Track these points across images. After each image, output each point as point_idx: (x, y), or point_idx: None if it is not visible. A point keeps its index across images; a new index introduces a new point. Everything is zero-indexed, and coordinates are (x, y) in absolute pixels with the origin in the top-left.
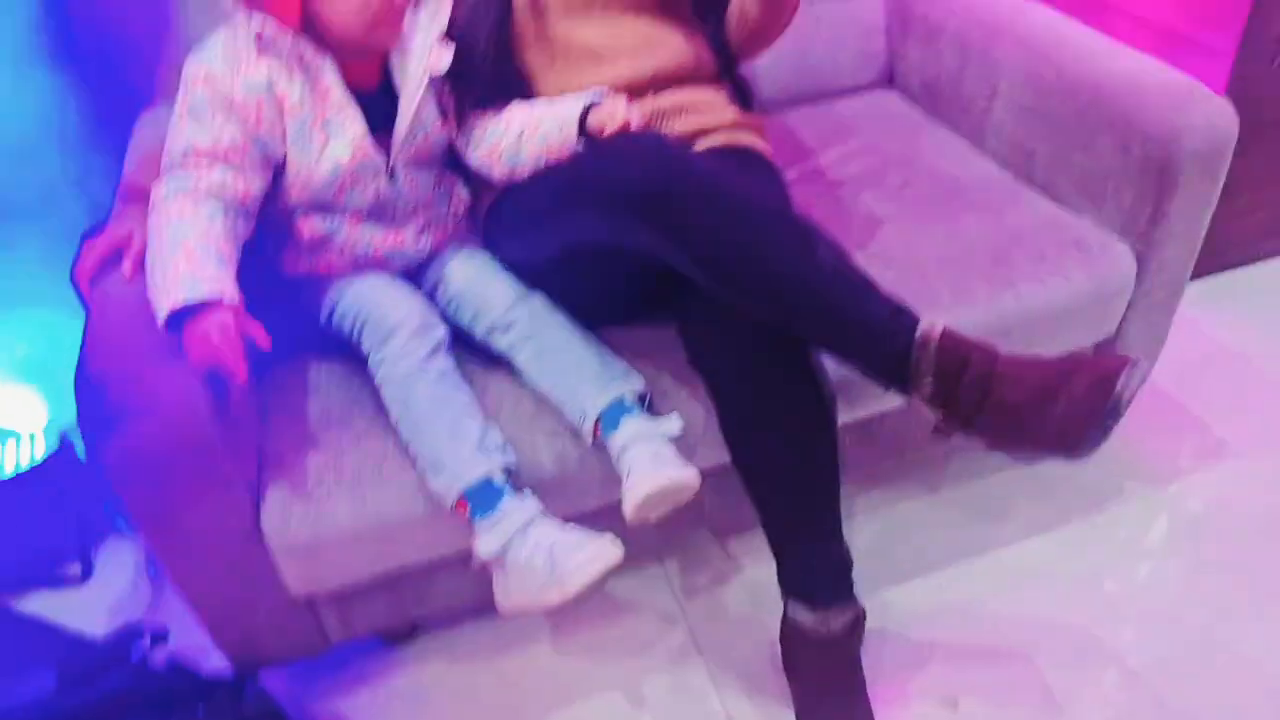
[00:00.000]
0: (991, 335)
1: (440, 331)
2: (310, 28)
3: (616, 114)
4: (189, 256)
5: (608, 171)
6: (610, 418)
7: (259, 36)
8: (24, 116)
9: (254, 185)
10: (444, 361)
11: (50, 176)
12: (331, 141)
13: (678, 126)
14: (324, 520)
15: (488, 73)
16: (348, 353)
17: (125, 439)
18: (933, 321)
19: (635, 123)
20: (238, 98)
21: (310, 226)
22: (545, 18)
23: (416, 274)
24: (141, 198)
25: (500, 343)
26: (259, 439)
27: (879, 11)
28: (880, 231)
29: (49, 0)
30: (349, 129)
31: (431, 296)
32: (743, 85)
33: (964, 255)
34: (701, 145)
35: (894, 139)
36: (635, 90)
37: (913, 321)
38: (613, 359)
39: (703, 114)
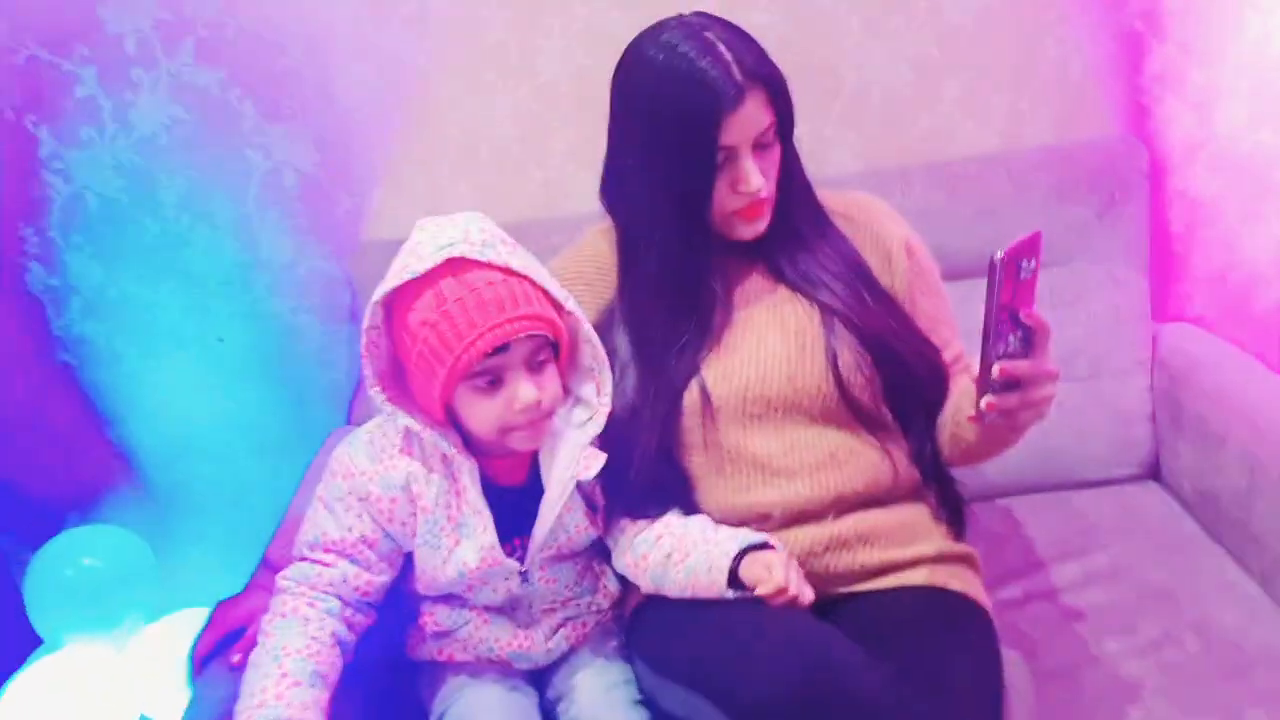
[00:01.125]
0: None
1: None
2: (455, 425)
3: (774, 571)
4: (282, 677)
5: (741, 667)
6: None
7: (406, 432)
8: (229, 424)
9: (378, 578)
10: None
11: (241, 477)
12: (462, 544)
13: (860, 560)
14: None
15: (645, 476)
16: None
17: None
18: None
19: (794, 587)
20: (374, 492)
21: (435, 617)
22: (716, 422)
23: (544, 674)
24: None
25: None
26: None
27: (1144, 397)
28: (1125, 714)
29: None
30: (479, 535)
31: (553, 707)
32: (951, 494)
33: None
34: (889, 583)
35: (1155, 561)
36: (813, 514)
37: None
38: None
39: (894, 545)
